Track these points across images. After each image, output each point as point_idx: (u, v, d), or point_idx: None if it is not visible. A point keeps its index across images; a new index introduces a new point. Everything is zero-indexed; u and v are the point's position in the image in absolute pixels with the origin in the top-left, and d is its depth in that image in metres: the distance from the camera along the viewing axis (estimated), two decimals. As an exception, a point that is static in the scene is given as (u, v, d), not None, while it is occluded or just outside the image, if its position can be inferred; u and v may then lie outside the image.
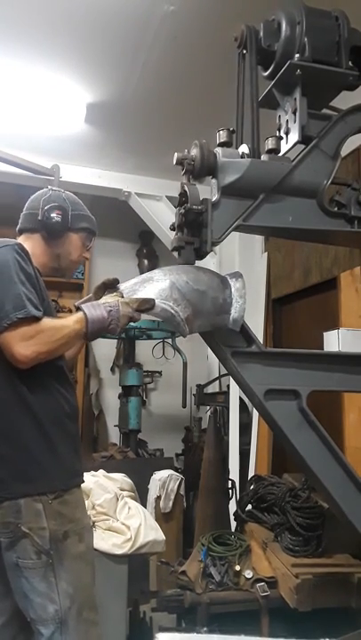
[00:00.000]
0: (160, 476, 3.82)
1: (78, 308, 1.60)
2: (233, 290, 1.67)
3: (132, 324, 1.71)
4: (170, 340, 4.81)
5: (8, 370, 1.53)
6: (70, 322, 1.56)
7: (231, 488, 3.30)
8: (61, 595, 1.51)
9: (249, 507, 2.84)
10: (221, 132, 1.72)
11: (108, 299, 1.61)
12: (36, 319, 1.50)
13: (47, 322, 1.53)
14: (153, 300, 1.57)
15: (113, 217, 4.83)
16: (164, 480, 3.78)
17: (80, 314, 1.57)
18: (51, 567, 1.51)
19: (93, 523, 2.11)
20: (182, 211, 1.63)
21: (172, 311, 1.58)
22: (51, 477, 1.56)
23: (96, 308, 1.57)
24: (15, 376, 1.54)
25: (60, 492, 1.56)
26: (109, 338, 4.51)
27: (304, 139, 1.75)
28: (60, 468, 1.58)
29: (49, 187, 1.86)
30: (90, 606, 1.59)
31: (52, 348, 1.52)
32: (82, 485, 1.70)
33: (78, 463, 1.68)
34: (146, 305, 1.57)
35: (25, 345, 1.47)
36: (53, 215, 1.74)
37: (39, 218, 1.74)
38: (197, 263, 1.71)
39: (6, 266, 1.54)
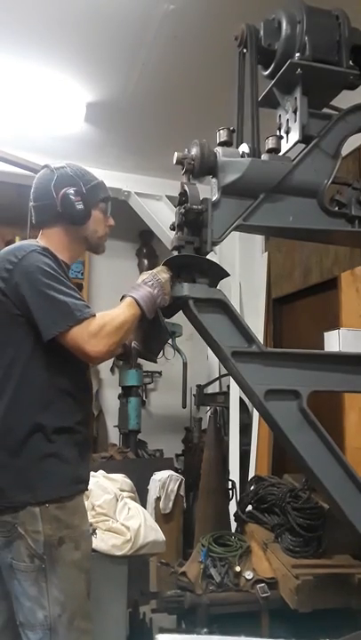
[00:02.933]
0: (160, 476, 3.81)
1: (123, 297, 1.61)
2: None
3: None
4: (170, 340, 4.79)
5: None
6: (122, 309, 1.56)
7: (231, 489, 3.29)
8: (51, 601, 1.46)
9: (249, 507, 2.84)
10: (221, 131, 1.72)
11: (142, 276, 1.63)
12: (94, 317, 1.50)
13: (104, 314, 1.53)
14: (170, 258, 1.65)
15: (113, 216, 4.81)
16: (163, 481, 3.76)
17: (128, 299, 1.57)
18: (43, 572, 1.47)
19: (94, 530, 2.08)
20: (182, 210, 1.63)
21: None
22: (52, 485, 1.51)
23: (138, 289, 1.59)
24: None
25: (58, 498, 1.51)
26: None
27: (305, 138, 1.75)
28: (62, 475, 1.53)
29: (46, 165, 1.67)
30: (82, 615, 1.53)
31: (119, 337, 1.52)
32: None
33: (83, 469, 1.61)
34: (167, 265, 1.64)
35: (95, 342, 1.47)
36: (73, 202, 1.60)
37: (59, 209, 1.61)
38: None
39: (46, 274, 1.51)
